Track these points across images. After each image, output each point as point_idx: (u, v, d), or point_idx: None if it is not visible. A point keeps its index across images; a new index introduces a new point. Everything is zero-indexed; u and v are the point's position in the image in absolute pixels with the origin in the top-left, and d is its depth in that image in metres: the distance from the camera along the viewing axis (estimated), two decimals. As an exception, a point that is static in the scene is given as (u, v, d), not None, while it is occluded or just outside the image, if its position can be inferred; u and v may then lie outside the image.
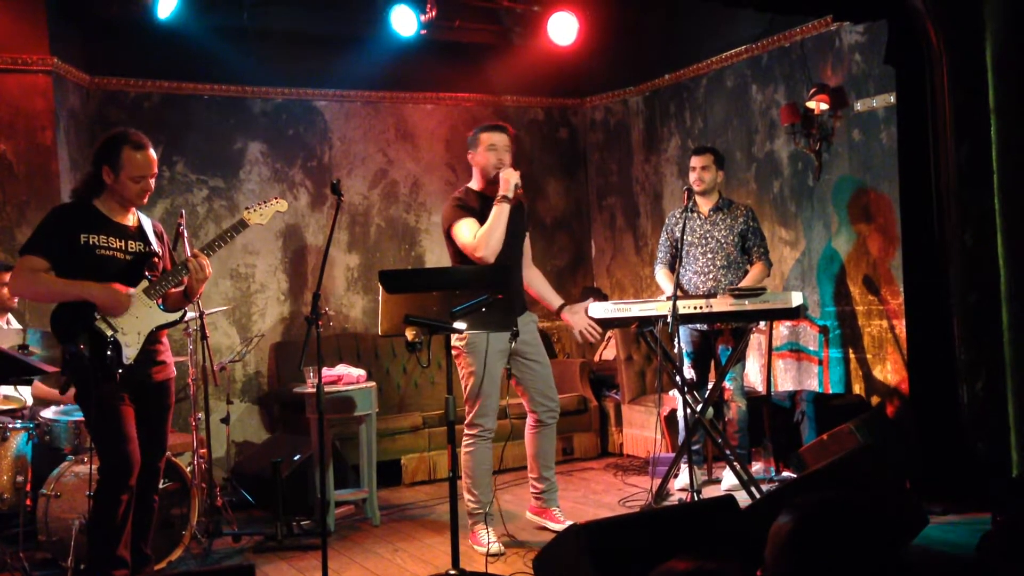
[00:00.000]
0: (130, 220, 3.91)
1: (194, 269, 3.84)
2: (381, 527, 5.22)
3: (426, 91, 7.44)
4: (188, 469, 4.76)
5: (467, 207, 4.63)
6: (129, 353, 3.74)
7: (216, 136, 6.76)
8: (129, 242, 3.84)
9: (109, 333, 3.70)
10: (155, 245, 3.94)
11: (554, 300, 4.93)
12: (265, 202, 4.23)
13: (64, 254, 3.71)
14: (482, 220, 4.55)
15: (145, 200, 3.90)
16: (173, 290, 3.93)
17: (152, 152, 3.86)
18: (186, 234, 4.85)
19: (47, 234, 3.76)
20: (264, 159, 6.90)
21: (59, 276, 3.70)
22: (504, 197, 4.53)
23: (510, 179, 4.56)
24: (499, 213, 4.51)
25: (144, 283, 3.82)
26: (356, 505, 5.48)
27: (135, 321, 3.76)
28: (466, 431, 4.63)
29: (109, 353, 3.68)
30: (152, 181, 3.88)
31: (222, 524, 5.02)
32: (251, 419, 6.74)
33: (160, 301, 3.87)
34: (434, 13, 6.57)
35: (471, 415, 4.62)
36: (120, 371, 3.70)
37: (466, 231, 4.55)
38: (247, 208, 4.19)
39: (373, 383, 5.44)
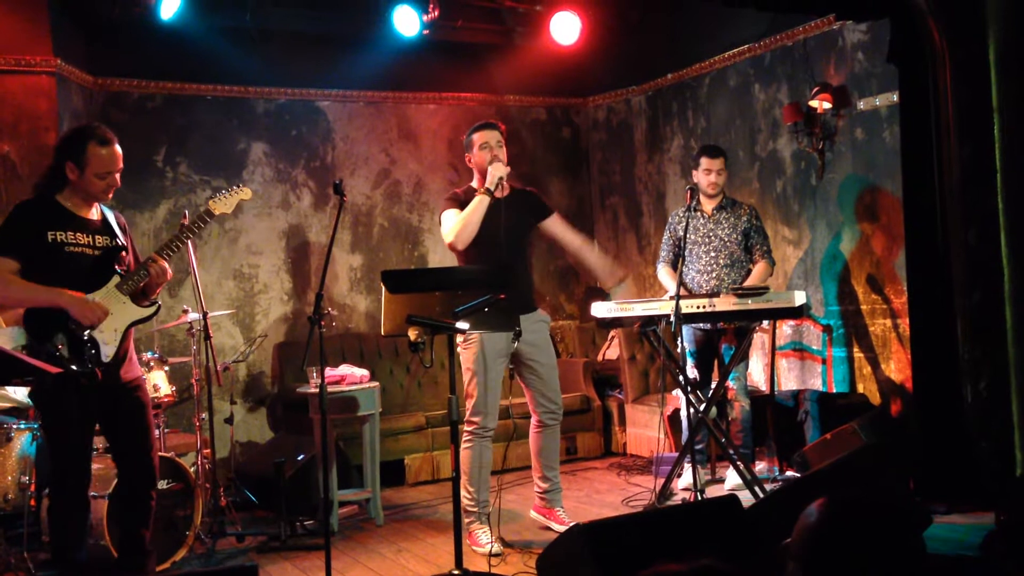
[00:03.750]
0: (94, 214, 3.84)
1: (155, 273, 3.81)
2: (384, 527, 5.23)
3: (429, 91, 7.45)
4: (192, 469, 4.77)
5: (457, 199, 4.69)
6: (107, 351, 3.70)
7: (219, 137, 6.76)
8: (96, 237, 3.78)
9: (85, 332, 3.64)
10: (121, 238, 3.88)
11: (604, 273, 5.23)
12: (229, 191, 4.21)
13: (33, 253, 3.63)
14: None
15: (110, 196, 3.84)
16: (139, 284, 3.86)
17: (118, 147, 3.78)
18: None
19: (14, 233, 3.67)
20: (267, 159, 6.91)
21: (30, 276, 3.62)
22: (486, 190, 4.59)
23: (495, 173, 4.61)
24: (476, 204, 4.58)
25: (116, 278, 3.77)
26: (359, 505, 5.49)
27: (111, 318, 3.71)
28: (465, 429, 4.63)
29: (90, 351, 3.64)
30: (118, 176, 3.80)
31: (226, 524, 5.03)
32: (255, 419, 6.75)
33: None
34: (436, 13, 6.57)
35: (470, 413, 4.63)
36: (94, 368, 3.65)
37: (446, 220, 4.66)
38: (212, 198, 4.17)
39: (376, 383, 5.44)
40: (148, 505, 3.92)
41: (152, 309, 3.88)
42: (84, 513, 3.78)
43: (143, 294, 3.89)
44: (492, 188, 4.58)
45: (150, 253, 3.88)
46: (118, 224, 3.94)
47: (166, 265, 3.85)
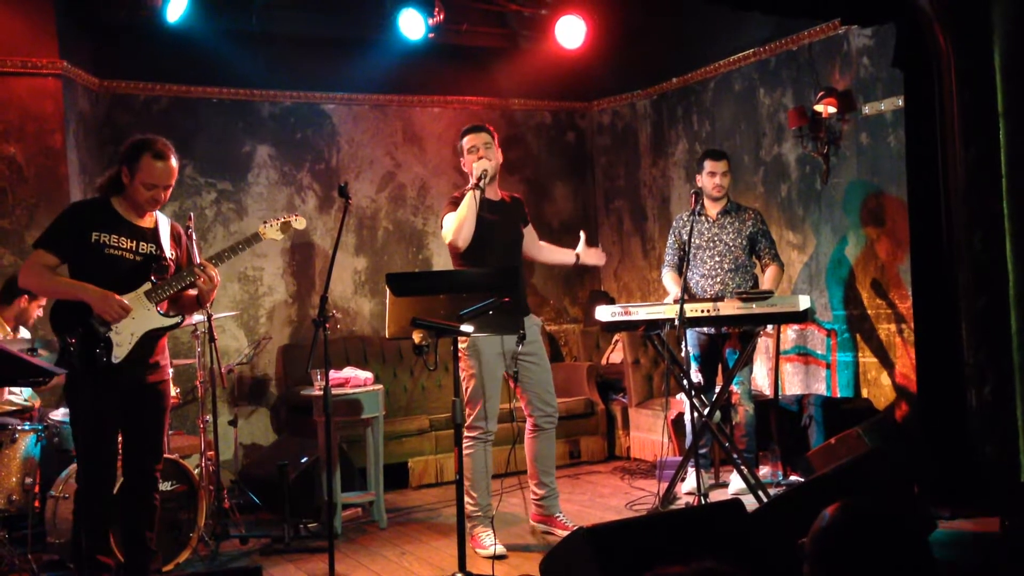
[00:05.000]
0: (147, 222, 3.91)
1: (201, 278, 3.85)
2: (388, 530, 5.23)
3: (433, 94, 7.46)
4: (196, 472, 4.77)
5: (455, 203, 4.70)
6: (119, 353, 3.73)
7: (225, 139, 6.78)
8: (141, 243, 3.85)
9: (103, 331, 3.70)
10: (168, 248, 3.94)
11: (568, 253, 5.17)
12: (284, 218, 4.20)
13: (74, 251, 3.76)
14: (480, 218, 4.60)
15: (156, 208, 3.90)
16: (189, 293, 3.94)
17: (173, 163, 3.85)
18: (195, 237, 4.86)
19: (59, 231, 3.81)
20: (272, 162, 6.92)
21: (69, 273, 3.75)
22: (474, 186, 4.59)
23: (478, 167, 4.63)
24: (467, 201, 4.59)
25: (147, 285, 3.82)
26: (363, 508, 5.49)
27: (130, 322, 3.75)
28: (466, 433, 4.63)
29: (98, 351, 3.69)
30: (165, 193, 3.87)
31: (229, 526, 5.04)
32: (258, 422, 6.75)
33: (164, 306, 3.87)
34: (442, 17, 6.58)
35: (471, 417, 4.64)
36: (104, 367, 3.68)
37: (445, 223, 4.69)
38: (264, 222, 4.17)
39: (380, 386, 5.44)
40: (152, 506, 3.93)
41: (173, 321, 3.91)
42: (105, 511, 3.80)
43: (198, 302, 3.96)
44: (479, 184, 4.59)
45: (200, 261, 3.93)
46: (172, 234, 4.00)
47: (214, 273, 3.88)
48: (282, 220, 4.18)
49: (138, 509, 3.89)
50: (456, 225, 4.57)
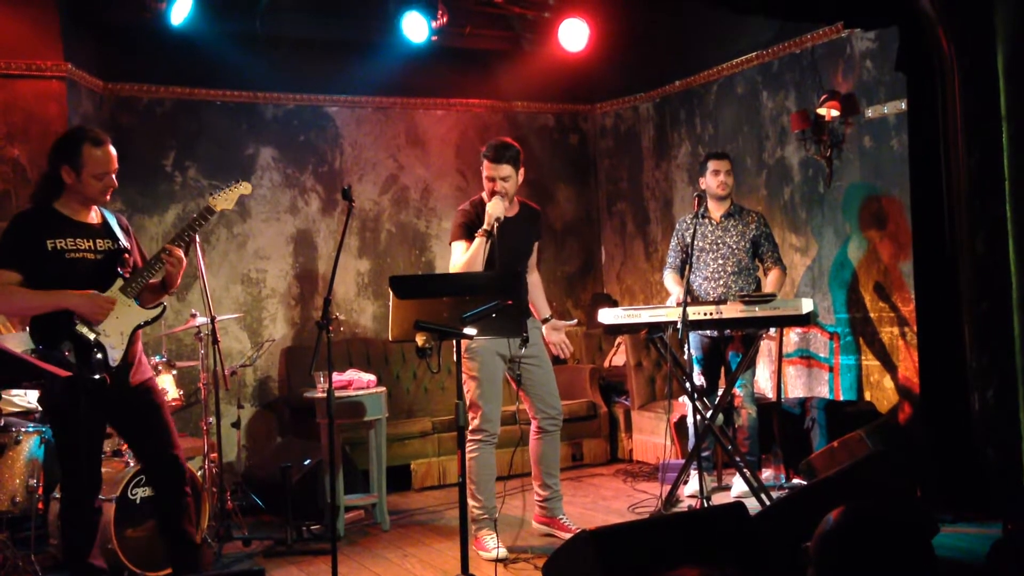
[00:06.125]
0: (93, 218, 3.81)
1: (170, 262, 3.77)
2: (390, 532, 5.23)
3: (437, 97, 7.47)
4: (199, 473, 4.77)
5: (466, 224, 4.65)
6: (115, 355, 3.68)
7: (228, 142, 6.79)
8: (97, 241, 3.75)
9: (92, 336, 3.63)
10: (123, 241, 3.85)
11: (543, 310, 4.95)
12: (229, 187, 4.16)
13: (33, 263, 3.61)
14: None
15: (108, 197, 3.79)
16: (150, 282, 3.84)
17: (112, 148, 3.75)
18: (198, 239, 4.88)
19: (13, 245, 3.65)
20: (275, 164, 6.93)
21: (32, 286, 3.61)
22: (486, 232, 4.53)
23: (492, 213, 4.54)
24: (476, 247, 4.53)
25: (119, 281, 3.74)
26: (366, 510, 5.50)
27: (116, 321, 3.69)
28: (469, 436, 4.63)
29: (97, 356, 3.62)
30: (115, 177, 3.77)
31: (232, 528, 5.04)
32: (261, 424, 6.76)
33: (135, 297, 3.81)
34: (445, 19, 6.59)
35: (475, 420, 4.64)
36: (108, 373, 3.64)
37: (454, 254, 4.65)
38: (211, 194, 4.13)
39: (383, 388, 5.45)
40: (184, 502, 3.89)
41: (158, 311, 3.85)
42: (94, 518, 3.80)
43: (163, 287, 3.87)
44: (491, 230, 4.51)
45: (163, 245, 3.85)
46: (120, 226, 3.91)
47: (181, 254, 3.80)
48: (230, 188, 4.13)
49: (172, 507, 3.88)
50: (462, 271, 4.56)
